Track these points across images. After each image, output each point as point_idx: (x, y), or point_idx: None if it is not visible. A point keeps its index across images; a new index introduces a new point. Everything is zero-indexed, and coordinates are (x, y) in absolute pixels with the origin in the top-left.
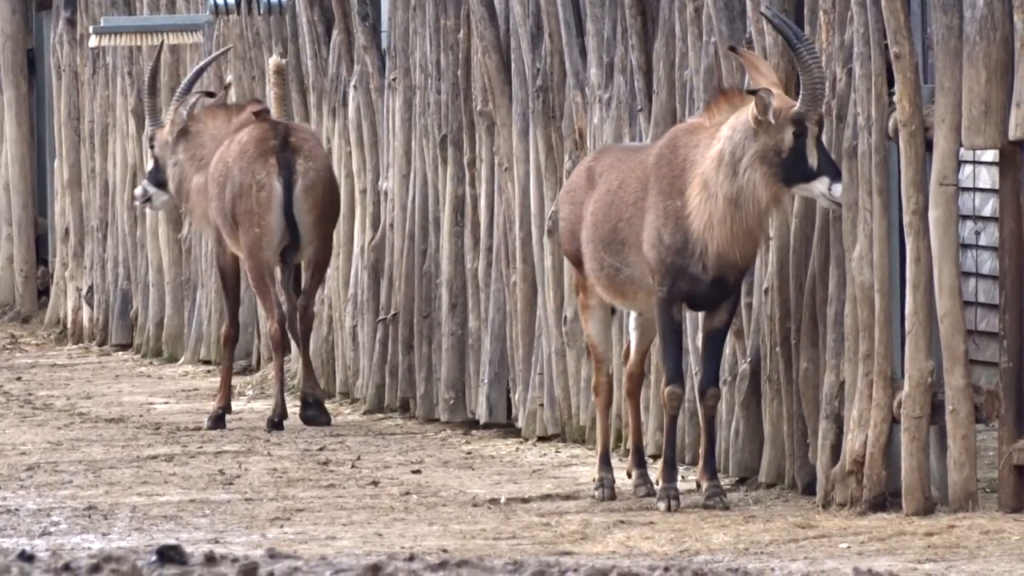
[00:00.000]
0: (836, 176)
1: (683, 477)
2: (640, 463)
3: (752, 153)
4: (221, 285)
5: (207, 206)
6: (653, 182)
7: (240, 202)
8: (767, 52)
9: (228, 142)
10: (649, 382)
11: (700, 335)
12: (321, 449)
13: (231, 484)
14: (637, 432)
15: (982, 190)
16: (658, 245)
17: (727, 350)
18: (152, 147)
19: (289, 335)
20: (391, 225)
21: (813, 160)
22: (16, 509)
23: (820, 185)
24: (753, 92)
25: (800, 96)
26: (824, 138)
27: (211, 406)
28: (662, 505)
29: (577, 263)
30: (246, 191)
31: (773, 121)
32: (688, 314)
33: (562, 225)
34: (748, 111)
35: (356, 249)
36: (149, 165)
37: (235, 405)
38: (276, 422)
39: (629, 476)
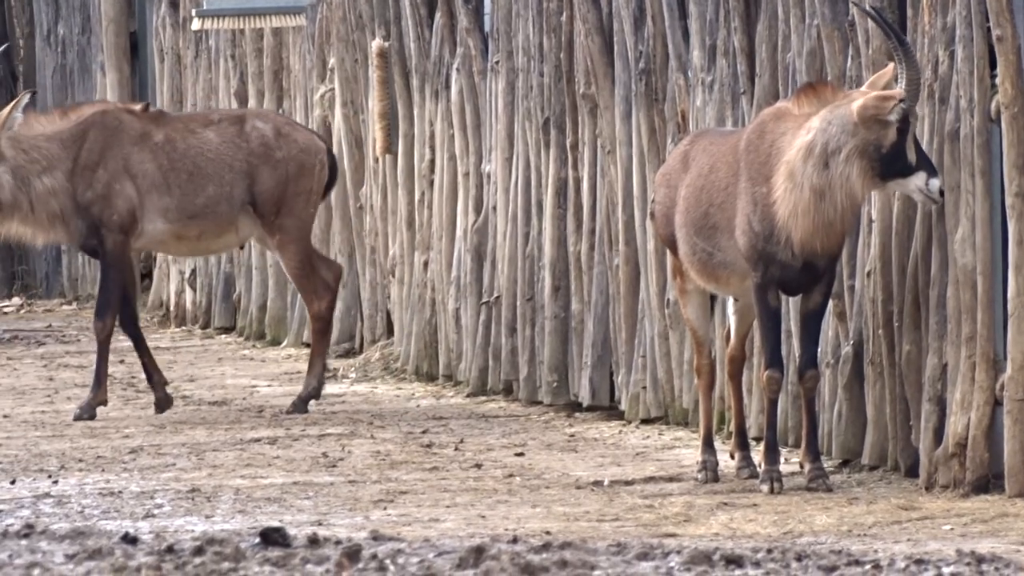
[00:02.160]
0: (933, 172)
1: (786, 459)
2: (743, 445)
3: (851, 147)
4: (118, 280)
5: (103, 202)
6: (743, 168)
7: (297, 184)
8: (869, 34)
9: (183, 134)
10: (751, 364)
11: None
12: (424, 432)
13: (334, 467)
14: (739, 414)
15: None
16: (748, 232)
17: (830, 333)
18: None
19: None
20: (494, 208)
21: (912, 155)
22: (120, 492)
23: (917, 180)
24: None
25: (904, 92)
26: (927, 121)
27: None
28: (765, 487)
29: (672, 247)
30: (307, 172)
31: (894, 119)
32: (787, 297)
33: (657, 209)
34: (846, 104)
35: (459, 232)
36: None
37: (338, 388)
38: (305, 398)
39: (732, 458)
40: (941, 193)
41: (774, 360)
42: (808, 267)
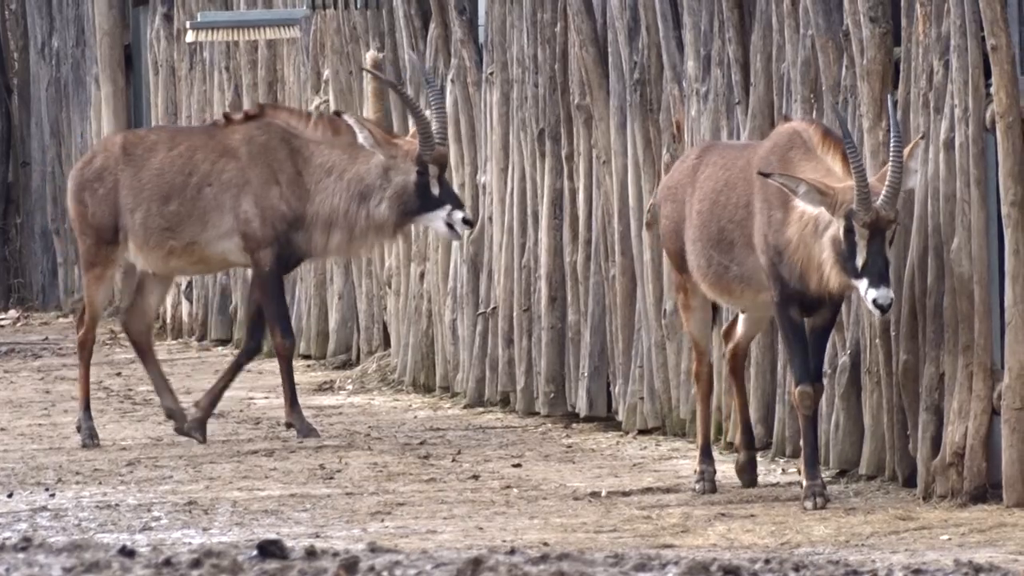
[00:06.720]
0: (877, 283)
1: (784, 470)
2: (749, 444)
3: (826, 238)
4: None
5: None
6: (759, 187)
7: None
8: (864, 45)
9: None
10: (749, 362)
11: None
12: (421, 443)
13: (331, 479)
14: (744, 409)
15: None
16: (767, 251)
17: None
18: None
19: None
20: (490, 219)
21: (860, 260)
22: (117, 504)
23: (861, 285)
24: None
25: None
26: (922, 132)
27: (315, 401)
28: (808, 504)
29: (678, 261)
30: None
31: (830, 215)
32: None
33: (664, 224)
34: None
35: (455, 243)
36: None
37: (335, 400)
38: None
39: (738, 452)
40: (880, 308)
41: (803, 376)
42: (816, 296)
